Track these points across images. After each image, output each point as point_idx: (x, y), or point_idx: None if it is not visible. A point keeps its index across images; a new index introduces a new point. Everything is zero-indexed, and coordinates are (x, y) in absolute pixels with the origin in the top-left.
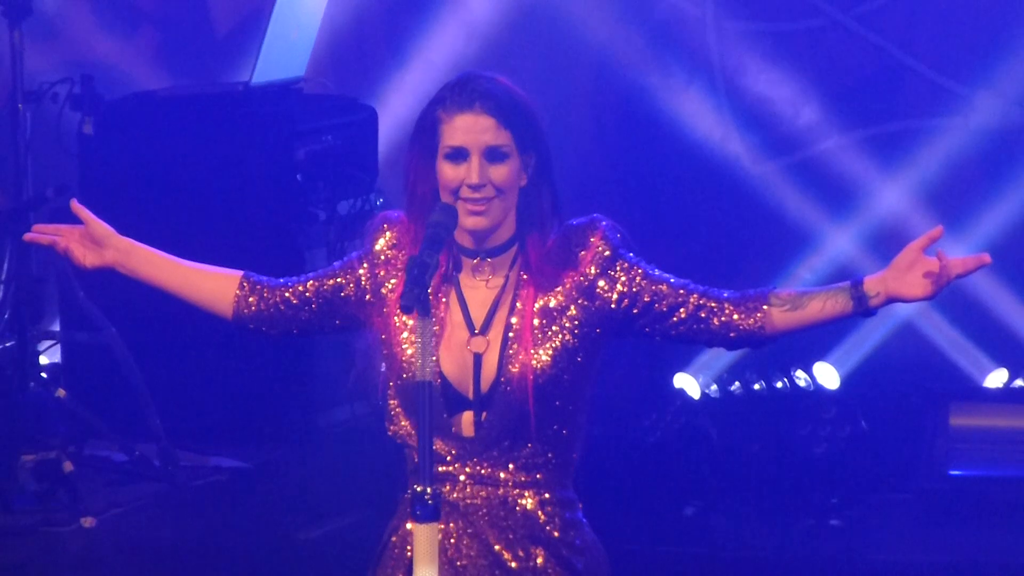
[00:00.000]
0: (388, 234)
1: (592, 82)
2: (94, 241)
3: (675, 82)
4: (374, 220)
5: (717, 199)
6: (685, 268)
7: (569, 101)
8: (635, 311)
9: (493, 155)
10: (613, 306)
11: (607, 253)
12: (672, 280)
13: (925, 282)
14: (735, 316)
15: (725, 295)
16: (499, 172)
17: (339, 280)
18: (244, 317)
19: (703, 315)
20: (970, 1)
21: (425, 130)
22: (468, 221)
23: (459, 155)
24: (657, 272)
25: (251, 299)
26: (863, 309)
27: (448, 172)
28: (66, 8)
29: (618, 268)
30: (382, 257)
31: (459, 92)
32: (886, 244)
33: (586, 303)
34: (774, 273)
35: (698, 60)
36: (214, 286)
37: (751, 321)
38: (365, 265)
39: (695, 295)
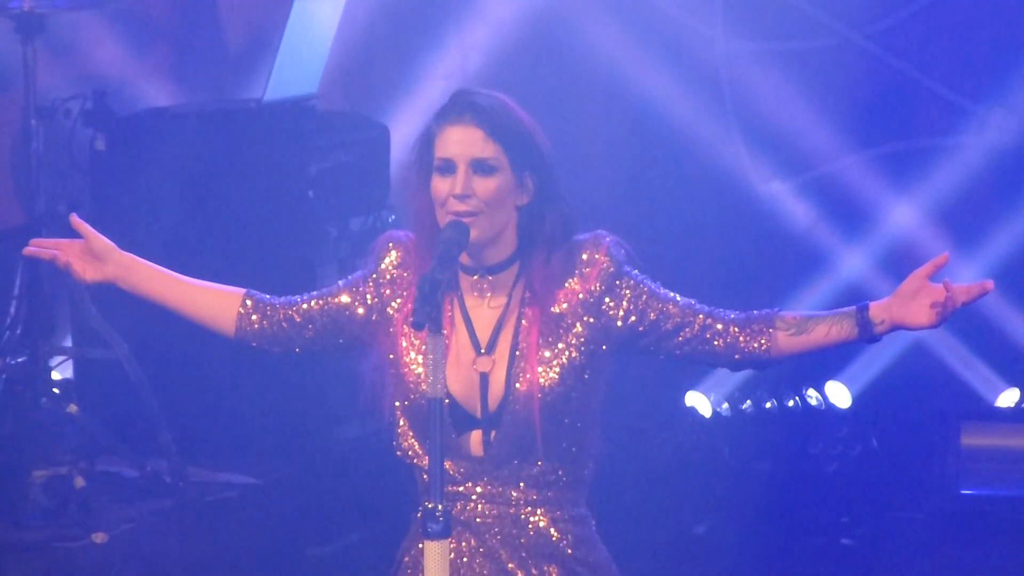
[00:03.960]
0: (394, 253)
1: (602, 101)
2: (95, 256)
3: (685, 101)
4: (380, 239)
5: (727, 218)
6: (694, 287)
7: (578, 119)
8: (641, 328)
9: (480, 167)
10: (619, 323)
11: (612, 270)
12: (678, 299)
13: (930, 311)
14: (740, 338)
15: (731, 317)
16: (485, 185)
17: (344, 299)
18: (247, 335)
19: (708, 336)
20: (983, 19)
21: (421, 144)
22: None
23: (447, 167)
24: (663, 290)
25: (254, 317)
26: (868, 336)
27: (437, 184)
28: (79, 24)
29: (623, 285)
30: (388, 276)
31: (452, 105)
32: (898, 264)
33: (592, 320)
34: (784, 293)
35: (708, 79)
36: (216, 303)
37: (756, 344)
38: (371, 284)
39: (701, 315)
